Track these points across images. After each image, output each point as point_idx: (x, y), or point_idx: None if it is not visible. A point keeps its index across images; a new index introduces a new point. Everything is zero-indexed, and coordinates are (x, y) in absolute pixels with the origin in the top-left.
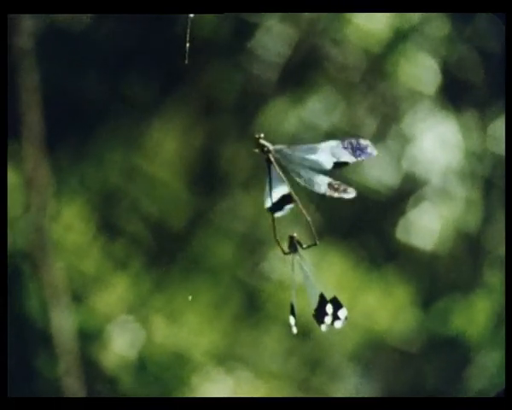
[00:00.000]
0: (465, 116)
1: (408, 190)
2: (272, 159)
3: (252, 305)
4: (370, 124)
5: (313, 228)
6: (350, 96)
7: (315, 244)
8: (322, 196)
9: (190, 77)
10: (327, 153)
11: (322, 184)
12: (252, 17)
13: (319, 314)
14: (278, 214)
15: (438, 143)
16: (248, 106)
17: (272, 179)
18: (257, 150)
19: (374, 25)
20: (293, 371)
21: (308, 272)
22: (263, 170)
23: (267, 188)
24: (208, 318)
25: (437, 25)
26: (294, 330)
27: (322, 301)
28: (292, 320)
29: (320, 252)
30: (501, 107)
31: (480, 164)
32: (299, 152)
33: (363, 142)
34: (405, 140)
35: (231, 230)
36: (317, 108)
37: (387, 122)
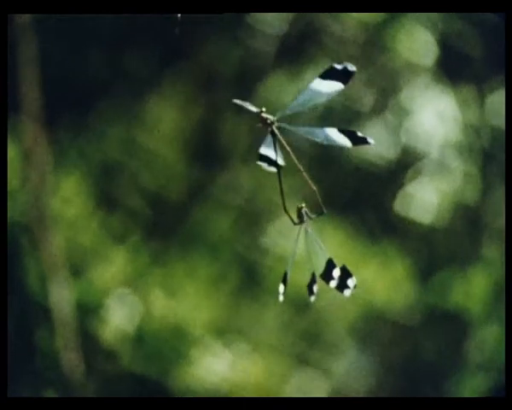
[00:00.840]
0: (463, 89)
1: (406, 164)
2: (276, 130)
3: (251, 279)
4: (368, 97)
5: (319, 197)
6: None
7: (322, 213)
8: (319, 170)
9: (189, 51)
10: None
11: (341, 137)
12: None
13: (326, 278)
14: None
15: (436, 117)
16: (247, 80)
17: (277, 151)
18: (260, 125)
19: None
20: (291, 344)
21: (317, 240)
22: (261, 143)
23: (279, 165)
24: (207, 291)
25: None
26: (281, 298)
27: (330, 265)
28: (281, 288)
29: (318, 225)
30: (499, 80)
31: (478, 137)
32: (301, 128)
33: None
34: (404, 113)
35: (230, 203)
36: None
37: (386, 95)
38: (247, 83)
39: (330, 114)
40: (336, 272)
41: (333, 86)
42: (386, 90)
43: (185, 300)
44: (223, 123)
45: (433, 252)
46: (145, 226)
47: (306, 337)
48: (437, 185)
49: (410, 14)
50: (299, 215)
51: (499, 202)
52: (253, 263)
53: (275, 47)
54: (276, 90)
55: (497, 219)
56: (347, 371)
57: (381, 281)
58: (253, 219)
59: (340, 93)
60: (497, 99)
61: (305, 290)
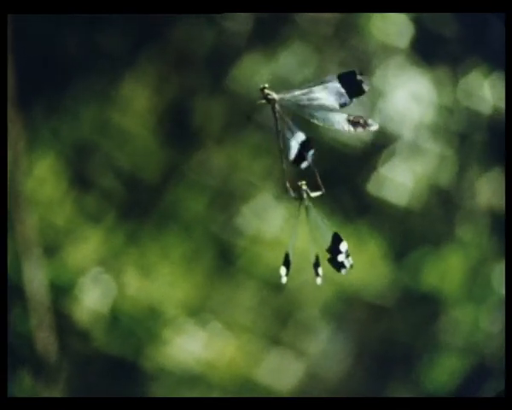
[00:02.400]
0: (437, 71)
1: (380, 145)
2: (278, 108)
3: (225, 259)
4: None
5: (318, 177)
6: (322, 51)
7: (322, 192)
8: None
9: (163, 31)
10: (330, 92)
11: (341, 120)
12: None
13: (333, 252)
14: (304, 165)
15: (410, 98)
16: (221, 60)
17: (284, 131)
18: (263, 101)
19: None
20: (265, 324)
21: (320, 216)
22: (236, 124)
23: (280, 142)
24: (181, 271)
25: None
26: (284, 279)
27: (337, 239)
28: (283, 270)
29: (292, 206)
30: (474, 61)
31: (453, 119)
32: (303, 95)
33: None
34: (378, 95)
35: (204, 184)
36: (289, 62)
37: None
38: (220, 63)
39: None
40: (343, 246)
41: (341, 97)
42: (361, 71)
43: (159, 280)
44: (197, 103)
45: (407, 233)
46: (119, 206)
47: (280, 318)
48: (411, 167)
49: None
50: (299, 192)
51: (473, 184)
52: (227, 243)
53: (249, 27)
54: (250, 70)
55: (471, 200)
56: (321, 351)
57: (355, 262)
58: (227, 200)
59: (315, 73)
60: (472, 80)
61: (278, 271)
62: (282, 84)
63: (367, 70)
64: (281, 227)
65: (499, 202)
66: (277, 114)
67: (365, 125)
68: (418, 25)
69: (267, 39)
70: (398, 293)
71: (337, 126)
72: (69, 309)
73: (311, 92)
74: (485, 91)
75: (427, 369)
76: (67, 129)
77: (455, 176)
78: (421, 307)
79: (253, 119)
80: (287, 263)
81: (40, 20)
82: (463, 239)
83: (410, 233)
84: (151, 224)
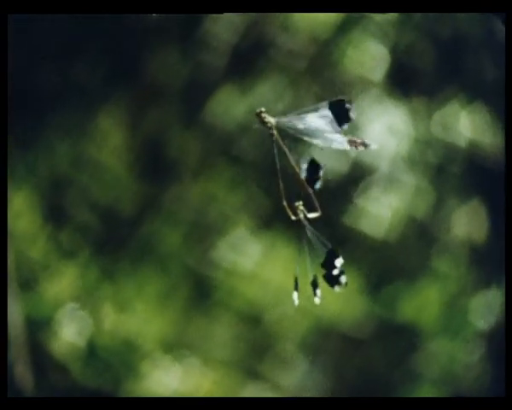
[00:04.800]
0: (414, 103)
1: (357, 177)
2: (275, 132)
3: (201, 293)
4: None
5: (315, 199)
6: (298, 83)
7: (319, 214)
8: (270, 183)
9: (138, 64)
10: (323, 118)
11: (341, 141)
12: None
13: (328, 267)
14: (318, 185)
15: (386, 130)
16: (196, 93)
17: (276, 153)
18: (257, 126)
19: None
20: (242, 358)
21: (317, 234)
22: (212, 157)
23: (277, 164)
24: (157, 306)
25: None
26: (296, 302)
27: (331, 254)
28: (295, 295)
29: (269, 239)
30: (450, 93)
31: (429, 151)
32: (299, 120)
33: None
34: (354, 127)
35: (180, 217)
36: (265, 95)
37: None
38: (196, 97)
39: None
40: (339, 262)
41: (332, 123)
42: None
43: (135, 315)
44: (172, 137)
45: (383, 265)
46: (95, 241)
47: (257, 351)
48: (388, 199)
49: (361, 28)
50: (296, 213)
51: (450, 216)
52: (203, 277)
53: (225, 61)
54: (225, 104)
55: (448, 232)
56: (298, 384)
57: (331, 294)
58: (203, 233)
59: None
60: (448, 112)
61: (256, 303)
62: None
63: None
64: (257, 260)
65: (476, 234)
66: (274, 138)
67: (365, 145)
68: (394, 56)
69: (243, 73)
70: (374, 325)
71: (338, 146)
72: (46, 344)
73: (306, 117)
74: (461, 123)
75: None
76: (43, 163)
77: (431, 208)
78: (397, 340)
79: (229, 152)
80: (297, 287)
81: (15, 53)
82: (440, 271)
83: (386, 265)
84: (127, 258)
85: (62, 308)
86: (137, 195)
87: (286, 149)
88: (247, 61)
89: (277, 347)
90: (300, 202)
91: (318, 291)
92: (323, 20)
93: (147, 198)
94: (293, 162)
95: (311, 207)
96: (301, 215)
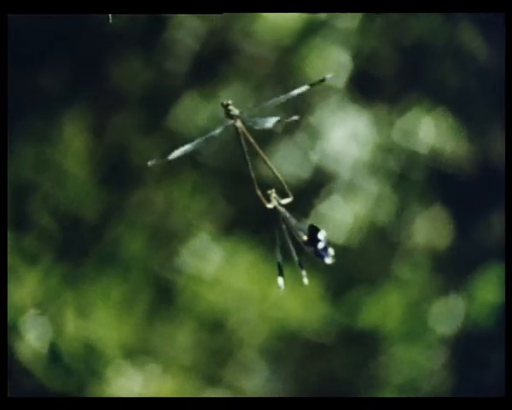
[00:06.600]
0: (375, 110)
1: (318, 183)
2: (240, 124)
3: (164, 298)
4: (280, 117)
5: (286, 185)
6: (261, 89)
7: (291, 199)
8: (232, 189)
9: (100, 71)
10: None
11: (273, 121)
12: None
13: (312, 242)
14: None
15: (348, 137)
16: (159, 100)
17: (242, 144)
18: (230, 120)
19: (285, 18)
20: (203, 364)
21: (292, 217)
22: (175, 163)
23: (247, 156)
24: (120, 311)
25: (348, 18)
26: (282, 288)
27: (313, 230)
28: (280, 281)
29: (231, 245)
30: (412, 100)
31: (391, 157)
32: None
33: None
34: (315, 134)
35: (143, 223)
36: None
37: (297, 115)
38: (159, 103)
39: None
40: (321, 234)
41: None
42: (298, 110)
43: (97, 320)
44: (135, 143)
45: (345, 271)
46: (57, 247)
47: (219, 357)
48: (349, 205)
49: (323, 34)
50: (268, 201)
51: (412, 222)
52: (166, 283)
53: (187, 67)
54: (188, 110)
55: (409, 238)
56: (260, 390)
57: (293, 300)
58: (166, 239)
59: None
60: (409, 119)
61: (218, 309)
62: (222, 123)
63: (305, 109)
64: (219, 266)
65: (438, 240)
66: (240, 130)
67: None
68: (356, 63)
69: (206, 79)
70: (336, 331)
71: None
72: (12, 347)
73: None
74: (423, 129)
75: None
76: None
77: (393, 214)
78: (360, 345)
79: (192, 158)
80: (281, 273)
81: None
82: (402, 278)
83: (348, 271)
84: (89, 264)
85: (24, 314)
86: (100, 200)
87: (251, 139)
88: (210, 68)
89: (239, 352)
90: (273, 190)
91: (304, 272)
92: (286, 27)
93: (109, 204)
94: (260, 151)
95: (283, 194)
96: (275, 202)
